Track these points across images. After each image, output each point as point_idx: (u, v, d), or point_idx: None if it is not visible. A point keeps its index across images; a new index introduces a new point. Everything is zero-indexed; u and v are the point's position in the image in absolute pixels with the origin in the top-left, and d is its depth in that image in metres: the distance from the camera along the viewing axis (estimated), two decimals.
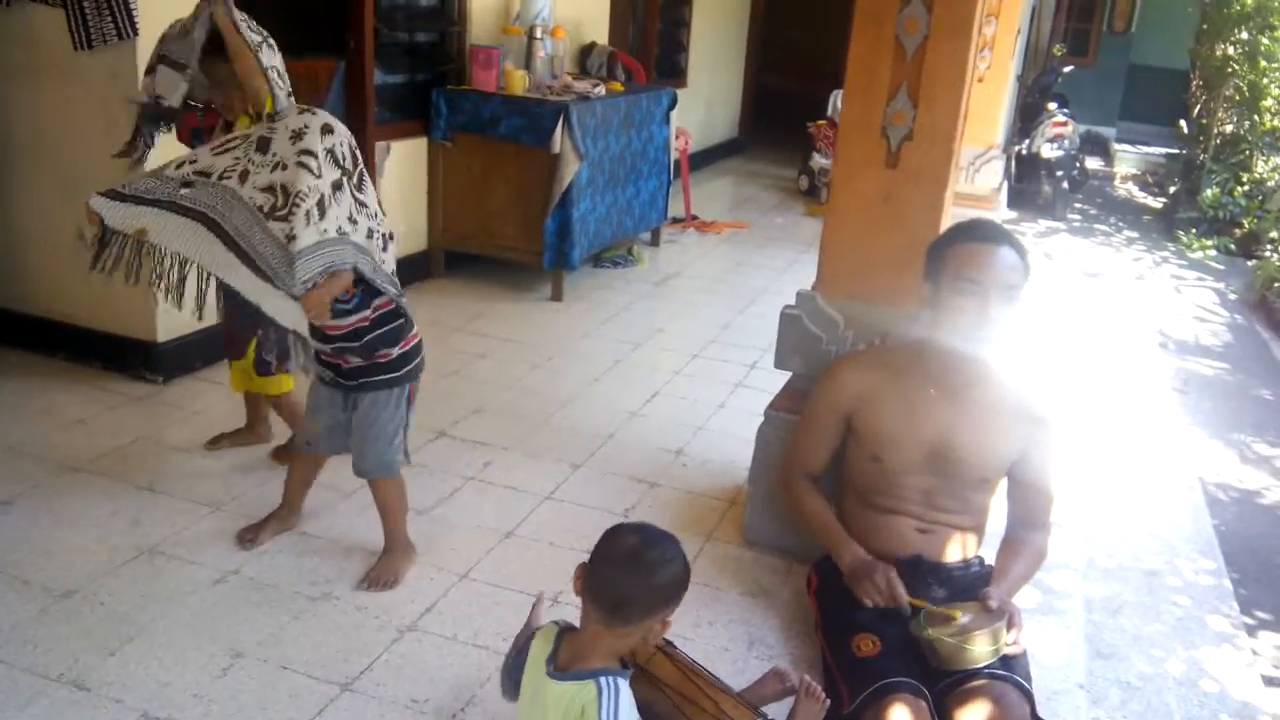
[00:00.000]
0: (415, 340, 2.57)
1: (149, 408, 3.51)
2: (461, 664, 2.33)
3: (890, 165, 2.70)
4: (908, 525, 2.39)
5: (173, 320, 3.71)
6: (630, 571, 1.66)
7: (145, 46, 3.36)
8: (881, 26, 2.63)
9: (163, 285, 2.24)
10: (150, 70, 2.81)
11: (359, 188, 2.32)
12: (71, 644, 2.30)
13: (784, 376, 2.99)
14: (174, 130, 2.92)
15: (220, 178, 2.19)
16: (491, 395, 3.86)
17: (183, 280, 2.26)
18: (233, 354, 3.10)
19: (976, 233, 2.27)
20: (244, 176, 2.18)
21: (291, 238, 2.14)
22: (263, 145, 2.22)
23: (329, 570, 2.65)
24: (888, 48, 2.64)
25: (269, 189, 2.17)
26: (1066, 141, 8.63)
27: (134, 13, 3.27)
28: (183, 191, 2.19)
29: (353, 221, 2.28)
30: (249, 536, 2.73)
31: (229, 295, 2.35)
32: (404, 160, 4.96)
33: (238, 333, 3.01)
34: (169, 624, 2.39)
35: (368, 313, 2.44)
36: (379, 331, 2.47)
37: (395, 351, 2.51)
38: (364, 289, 2.40)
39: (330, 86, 4.73)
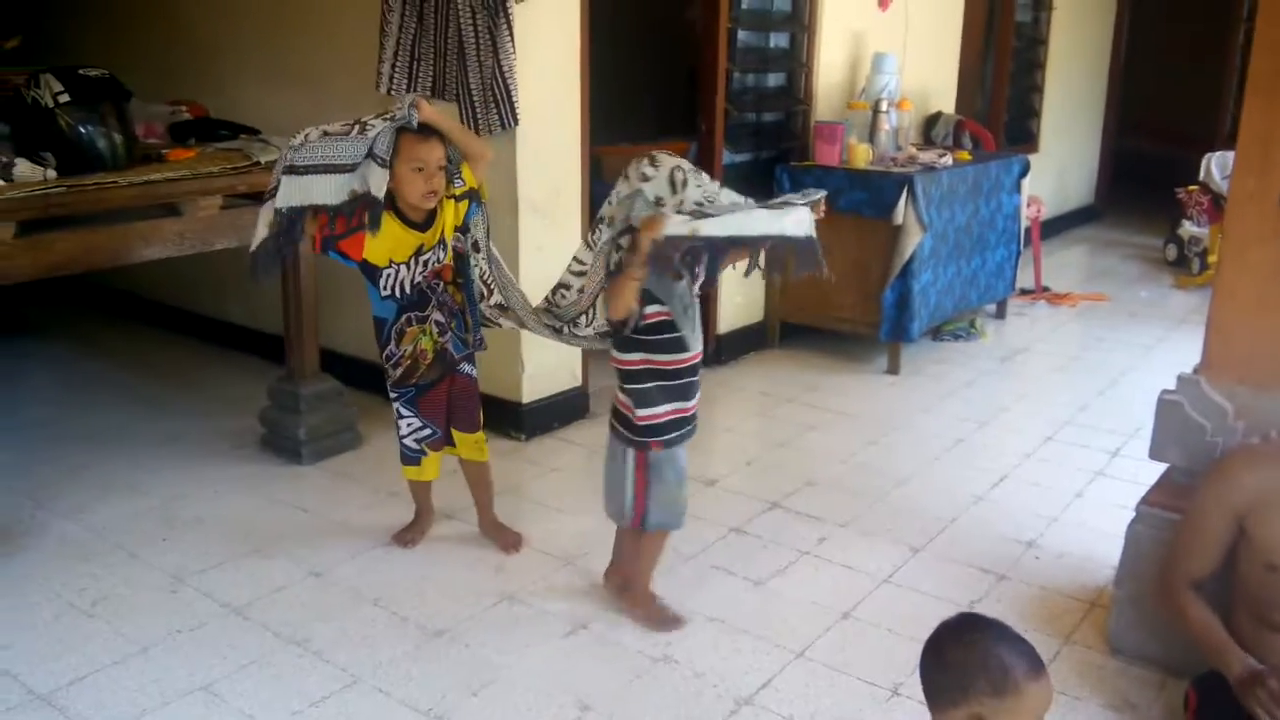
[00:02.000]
0: None
1: (513, 463, 3.80)
2: None
3: None
4: None
5: (536, 384, 4.02)
6: (924, 655, 1.65)
7: (525, 133, 3.72)
8: (1278, 94, 2.39)
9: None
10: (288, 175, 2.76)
11: None
12: (440, 681, 2.50)
13: (1154, 468, 2.72)
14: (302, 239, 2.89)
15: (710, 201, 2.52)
16: (824, 468, 3.82)
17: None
18: (468, 428, 3.11)
19: None
20: (712, 198, 2.52)
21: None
22: (680, 184, 2.50)
23: (669, 633, 2.71)
24: None
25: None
26: None
27: (516, 105, 3.62)
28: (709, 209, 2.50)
29: None
30: (670, 620, 2.75)
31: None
32: None
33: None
34: (525, 670, 2.55)
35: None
36: None
37: None
38: None
39: None
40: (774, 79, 5.29)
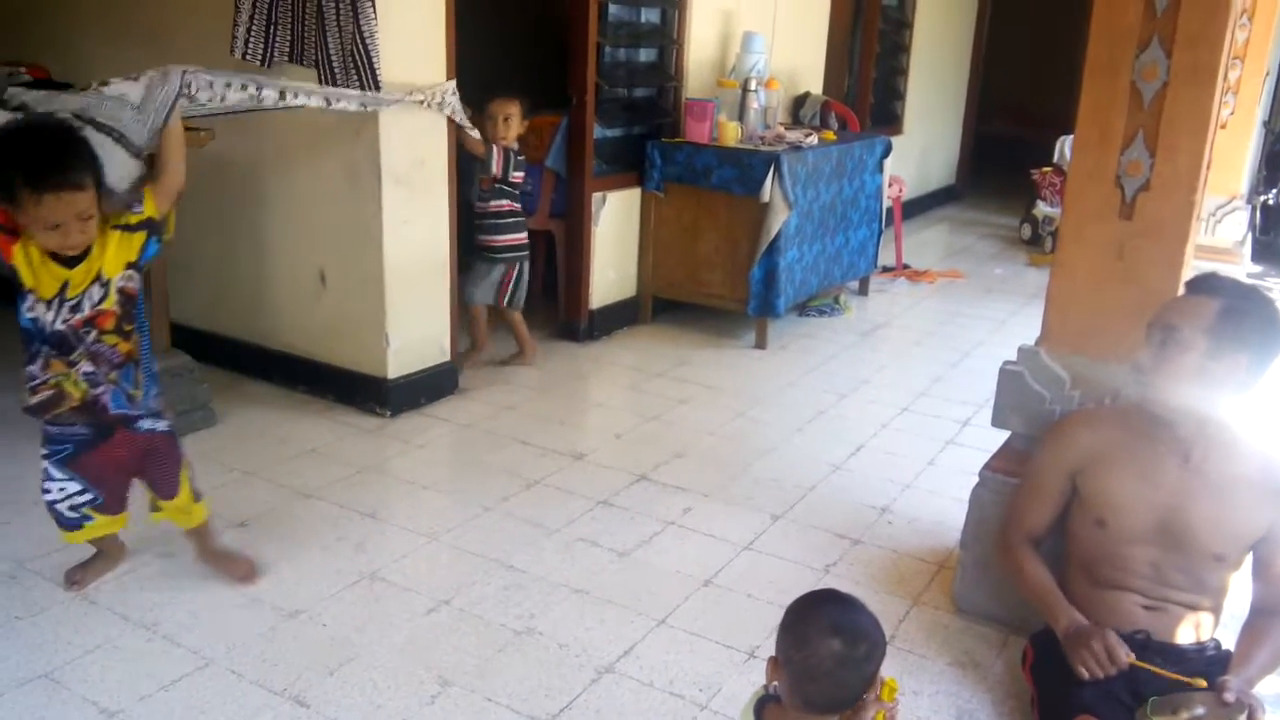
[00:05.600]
0: None
1: (377, 440, 3.73)
2: (657, 711, 2.33)
3: (1125, 217, 2.55)
4: (1133, 601, 2.23)
5: (403, 359, 3.94)
6: (845, 679, 1.58)
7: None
8: (1116, 73, 2.50)
9: None
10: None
11: None
12: (296, 661, 2.45)
13: (1000, 436, 2.85)
14: None
15: None
16: (693, 441, 3.87)
17: None
18: (166, 493, 2.70)
19: (1187, 284, 2.20)
20: None
21: None
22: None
23: (533, 605, 2.72)
24: (1122, 94, 2.50)
25: None
26: None
27: (378, 71, 3.52)
28: None
29: None
30: None
31: None
32: (618, 210, 5.10)
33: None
34: (384, 648, 2.51)
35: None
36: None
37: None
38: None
39: (553, 140, 4.93)
40: (645, 54, 5.29)
